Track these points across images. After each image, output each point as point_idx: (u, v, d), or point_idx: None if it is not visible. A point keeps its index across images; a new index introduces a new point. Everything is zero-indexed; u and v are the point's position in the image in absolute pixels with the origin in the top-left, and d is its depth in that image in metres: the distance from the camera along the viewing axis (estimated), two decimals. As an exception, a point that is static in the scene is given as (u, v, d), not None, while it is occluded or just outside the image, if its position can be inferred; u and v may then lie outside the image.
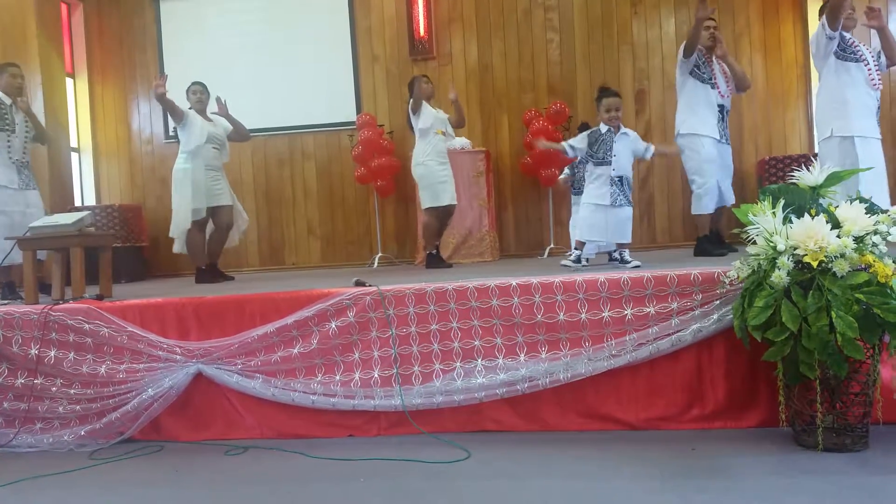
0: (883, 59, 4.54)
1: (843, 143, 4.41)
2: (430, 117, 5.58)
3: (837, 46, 4.43)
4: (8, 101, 5.04)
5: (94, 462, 3.11)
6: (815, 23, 7.02)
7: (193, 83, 5.68)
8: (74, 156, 7.90)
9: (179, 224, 5.43)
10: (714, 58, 5.06)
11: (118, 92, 8.15)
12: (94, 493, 2.73)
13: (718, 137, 4.99)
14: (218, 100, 5.74)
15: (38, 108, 6.96)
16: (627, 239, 4.23)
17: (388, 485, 2.58)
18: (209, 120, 5.65)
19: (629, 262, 4.07)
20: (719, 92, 5.01)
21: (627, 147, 4.22)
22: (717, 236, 5.19)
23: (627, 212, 4.21)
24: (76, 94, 8.05)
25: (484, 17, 7.55)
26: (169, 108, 5.46)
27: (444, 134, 5.67)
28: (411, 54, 7.59)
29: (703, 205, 4.97)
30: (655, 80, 7.32)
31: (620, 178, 4.19)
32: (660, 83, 7.30)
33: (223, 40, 7.87)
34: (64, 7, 7.80)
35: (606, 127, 4.22)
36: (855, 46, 4.45)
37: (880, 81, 4.47)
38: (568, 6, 7.43)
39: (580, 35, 7.44)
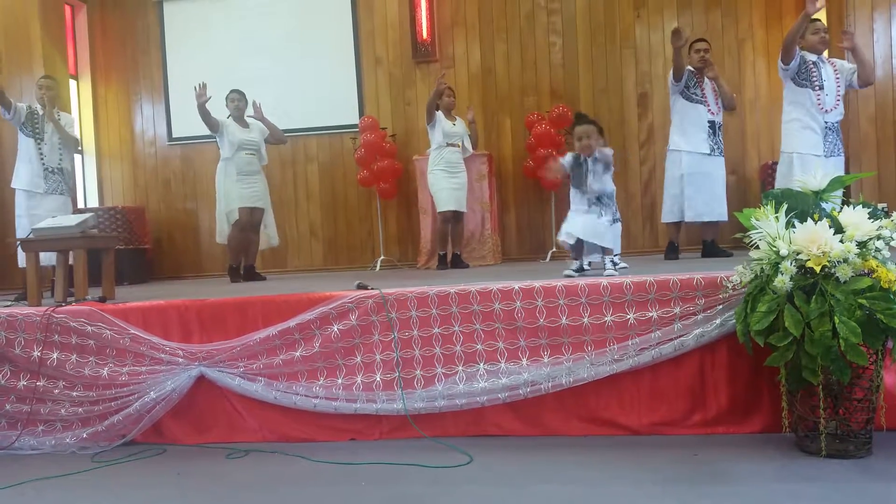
0: (855, 77, 4.84)
1: (784, 158, 4.91)
2: (440, 132, 5.97)
3: (796, 74, 4.83)
4: (42, 110, 5.43)
5: (96, 465, 3.11)
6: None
7: (231, 91, 5.93)
8: (77, 157, 7.91)
9: (219, 227, 5.99)
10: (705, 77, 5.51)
11: (121, 94, 8.17)
12: (96, 495, 2.73)
13: (708, 151, 5.46)
14: (254, 104, 5.98)
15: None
16: (606, 243, 4.20)
17: (390, 489, 2.58)
18: (246, 126, 5.87)
19: (606, 269, 4.04)
20: (709, 109, 5.46)
21: (597, 171, 4.14)
22: (713, 246, 5.70)
23: (606, 220, 4.14)
24: (79, 96, 8.08)
25: (487, 20, 7.56)
26: (204, 118, 5.68)
27: (456, 146, 6.04)
28: (414, 57, 7.60)
29: (664, 214, 5.75)
30: (658, 83, 7.32)
31: (598, 198, 4.16)
32: (662, 87, 7.29)
33: (226, 43, 7.89)
34: (67, 9, 7.83)
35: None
36: (812, 72, 4.77)
37: (837, 104, 4.78)
38: (570, 10, 7.44)
39: (583, 39, 7.44)
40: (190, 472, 2.96)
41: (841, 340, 2.42)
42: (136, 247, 7.54)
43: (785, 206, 2.70)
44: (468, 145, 6.12)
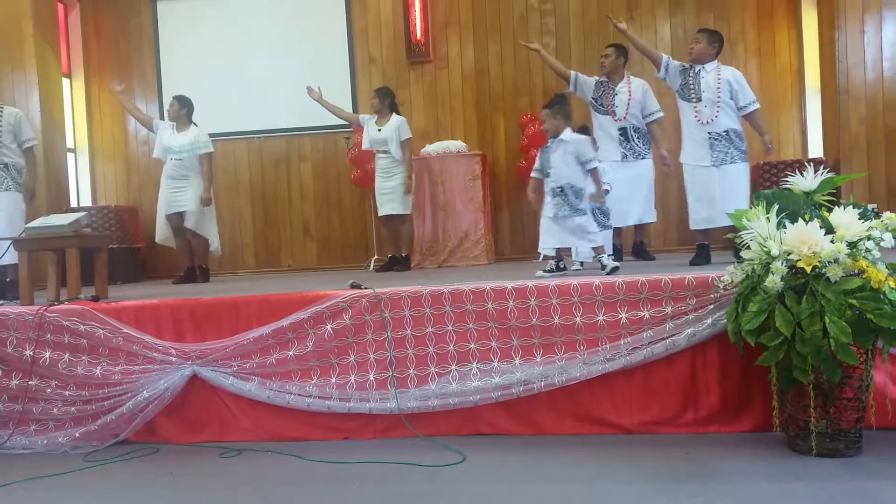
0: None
1: (683, 168, 4.88)
2: (365, 139, 6.32)
3: (679, 86, 4.83)
4: None
5: (88, 464, 3.11)
6: (809, 29, 7.10)
7: (172, 97, 6.24)
8: (70, 156, 7.87)
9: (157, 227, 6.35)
10: (617, 84, 5.65)
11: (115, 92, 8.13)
12: (89, 495, 2.73)
13: (619, 158, 5.50)
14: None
15: (34, 108, 6.96)
16: (588, 245, 4.17)
17: (383, 488, 2.58)
18: (182, 131, 6.10)
19: (606, 266, 3.97)
20: (615, 118, 5.54)
21: (566, 154, 4.06)
22: (641, 247, 5.84)
23: (576, 220, 4.05)
24: (72, 95, 8.03)
25: (480, 20, 7.57)
26: (132, 113, 6.69)
27: (384, 152, 6.21)
28: (408, 57, 7.60)
29: None
30: (650, 85, 7.32)
31: (561, 188, 4.05)
32: (655, 88, 7.30)
33: (220, 41, 7.86)
34: (60, 7, 7.79)
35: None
36: (691, 86, 4.76)
37: (713, 117, 4.65)
38: (564, 10, 7.45)
39: (576, 39, 7.46)
40: (183, 471, 2.96)
41: (831, 340, 2.44)
42: (129, 246, 7.52)
43: (776, 207, 2.72)
44: (393, 150, 6.11)
